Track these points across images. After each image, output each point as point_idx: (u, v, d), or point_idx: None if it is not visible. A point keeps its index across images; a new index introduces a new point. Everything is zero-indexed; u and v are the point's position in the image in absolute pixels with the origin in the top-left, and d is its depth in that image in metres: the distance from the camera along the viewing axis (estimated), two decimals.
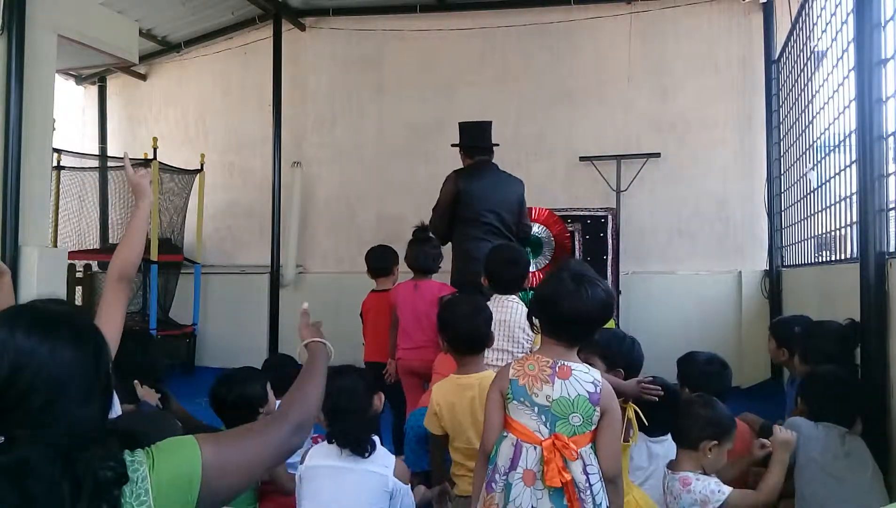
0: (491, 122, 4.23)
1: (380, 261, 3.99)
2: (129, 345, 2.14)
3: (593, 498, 1.74)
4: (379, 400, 2.25)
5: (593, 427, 1.80)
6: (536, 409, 1.80)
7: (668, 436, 2.47)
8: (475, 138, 4.15)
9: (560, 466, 1.72)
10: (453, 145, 4.25)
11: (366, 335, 4.01)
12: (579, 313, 1.81)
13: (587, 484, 1.75)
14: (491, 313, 2.56)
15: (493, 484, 1.84)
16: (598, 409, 1.78)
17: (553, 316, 1.86)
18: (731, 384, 2.77)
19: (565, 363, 1.82)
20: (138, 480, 1.04)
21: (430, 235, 4.02)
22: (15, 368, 0.98)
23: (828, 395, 2.46)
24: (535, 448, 1.78)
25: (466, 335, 2.46)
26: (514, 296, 3.03)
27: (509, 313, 2.94)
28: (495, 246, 3.44)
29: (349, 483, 2.03)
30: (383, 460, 2.09)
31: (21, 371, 0.98)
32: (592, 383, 1.80)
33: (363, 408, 2.13)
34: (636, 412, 2.25)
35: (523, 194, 4.13)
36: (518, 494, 1.77)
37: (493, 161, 4.27)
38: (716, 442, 2.15)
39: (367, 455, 2.04)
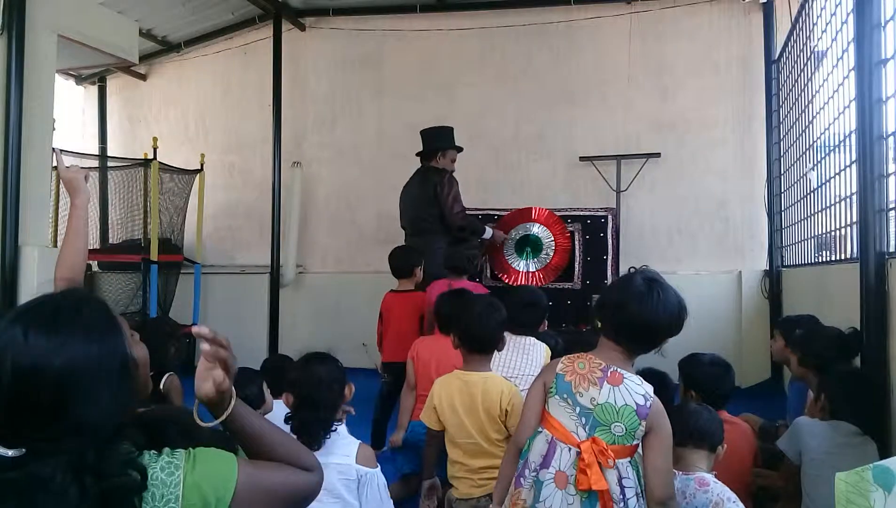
0: (432, 128, 4.62)
1: (402, 261, 4.04)
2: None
3: None
4: (349, 391, 2.19)
5: (635, 442, 1.71)
6: (578, 410, 1.73)
7: None
8: (425, 144, 4.63)
9: (596, 474, 1.65)
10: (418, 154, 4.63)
11: (385, 335, 4.01)
12: (646, 319, 1.73)
13: (621, 496, 1.67)
14: (505, 316, 2.53)
15: (522, 480, 1.77)
16: (643, 424, 1.69)
17: (618, 319, 1.77)
18: (734, 386, 2.76)
19: (618, 369, 1.74)
20: (171, 484, 1.01)
21: (468, 235, 4.40)
22: (19, 369, 0.92)
23: (851, 393, 2.44)
24: (569, 449, 1.71)
25: (479, 335, 2.46)
26: (531, 338, 2.98)
27: (530, 357, 2.85)
28: (515, 288, 3.53)
29: None
30: (344, 448, 2.05)
31: (27, 372, 0.92)
32: (643, 395, 1.71)
33: (333, 402, 2.08)
34: None
35: (437, 184, 4.39)
36: (549, 495, 1.70)
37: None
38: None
39: (317, 448, 1.99)
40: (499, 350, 2.51)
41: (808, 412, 2.58)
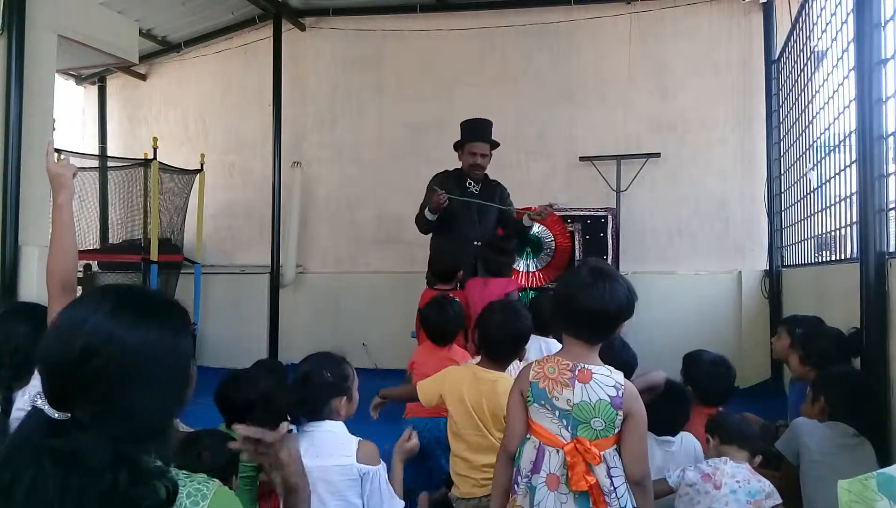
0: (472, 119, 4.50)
1: (445, 265, 4.14)
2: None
3: (618, 501, 1.72)
4: (340, 403, 2.12)
5: (616, 431, 1.76)
6: (557, 413, 1.77)
7: (675, 439, 2.47)
8: None
9: (584, 470, 1.70)
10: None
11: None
12: (596, 307, 1.76)
13: (612, 487, 1.72)
14: (529, 325, 2.50)
15: (516, 486, 1.82)
16: (620, 413, 1.75)
17: (571, 312, 1.82)
18: (734, 386, 2.76)
19: (585, 366, 1.78)
20: None
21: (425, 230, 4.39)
22: (88, 349, 0.93)
23: (850, 395, 2.44)
24: (557, 451, 1.76)
25: (496, 341, 2.43)
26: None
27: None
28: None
29: (311, 480, 1.99)
30: (344, 448, 2.01)
31: (95, 354, 0.93)
32: (614, 386, 1.76)
33: (330, 388, 2.05)
34: None
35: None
36: (542, 498, 1.75)
37: (492, 161, 4.49)
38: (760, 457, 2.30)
39: (315, 418, 2.00)
40: (519, 359, 2.47)
41: (804, 413, 2.58)
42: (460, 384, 2.41)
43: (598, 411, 1.74)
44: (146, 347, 0.97)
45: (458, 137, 4.48)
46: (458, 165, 4.53)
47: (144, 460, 0.96)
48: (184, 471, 1.04)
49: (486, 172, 4.54)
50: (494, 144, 4.48)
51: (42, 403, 0.93)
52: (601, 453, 1.72)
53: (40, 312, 1.91)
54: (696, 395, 2.68)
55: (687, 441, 2.49)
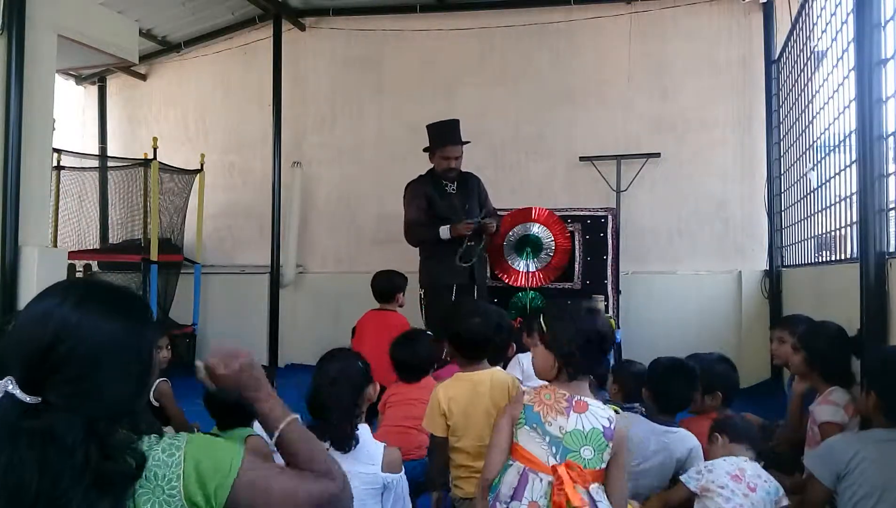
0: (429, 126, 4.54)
1: (382, 284, 4.20)
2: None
3: None
4: (374, 389, 2.11)
5: (603, 466, 1.79)
6: (548, 439, 1.79)
7: (679, 430, 2.47)
8: None
9: (573, 491, 1.70)
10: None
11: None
12: (596, 332, 1.85)
13: None
14: (508, 324, 2.53)
15: None
16: (611, 445, 1.79)
17: (585, 346, 1.87)
18: (738, 385, 2.76)
19: (582, 398, 1.84)
20: (172, 464, 1.05)
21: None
22: (57, 337, 1.00)
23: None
24: (541, 479, 1.76)
25: (469, 341, 2.39)
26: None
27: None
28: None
29: None
30: (370, 456, 1.97)
31: (62, 341, 1.00)
32: (608, 419, 1.81)
33: (353, 401, 1.98)
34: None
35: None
36: None
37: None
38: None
39: (348, 450, 1.90)
40: (501, 360, 2.47)
41: (858, 408, 2.34)
42: (458, 395, 2.36)
43: (589, 439, 1.78)
44: (110, 335, 1.04)
45: (433, 141, 4.49)
46: (429, 166, 4.55)
47: (114, 437, 1.02)
48: (155, 434, 1.10)
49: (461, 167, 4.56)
50: (464, 143, 4.50)
51: (13, 388, 0.98)
52: (588, 487, 1.75)
53: None
54: (703, 396, 2.68)
55: (683, 437, 2.46)
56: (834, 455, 2.08)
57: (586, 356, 1.88)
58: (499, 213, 4.89)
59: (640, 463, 2.41)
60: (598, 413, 1.81)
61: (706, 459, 2.33)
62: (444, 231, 4.30)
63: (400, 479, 2.00)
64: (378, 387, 2.14)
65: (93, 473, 0.97)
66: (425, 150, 4.54)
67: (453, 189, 4.51)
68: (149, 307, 1.16)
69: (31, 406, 0.98)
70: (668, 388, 2.51)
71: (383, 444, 2.02)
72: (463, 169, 4.58)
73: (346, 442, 1.92)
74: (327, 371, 2.03)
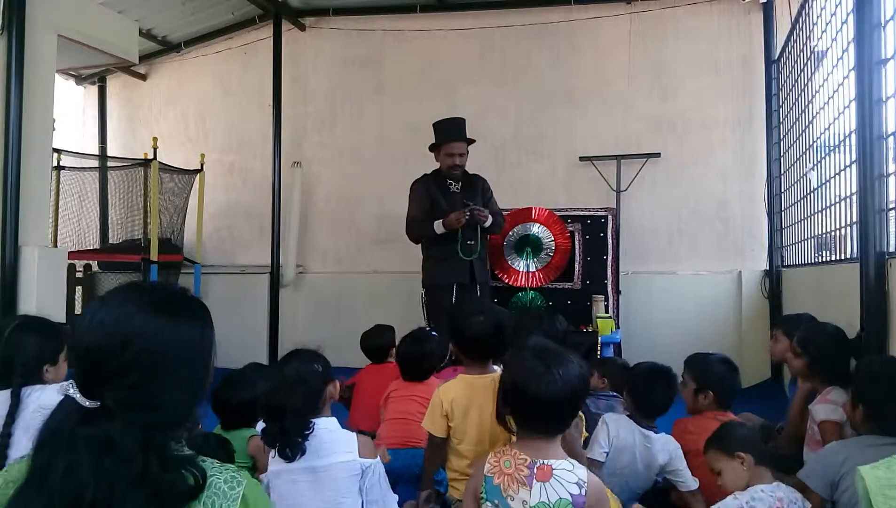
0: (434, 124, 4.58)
1: (374, 342, 3.87)
2: None
3: None
4: (334, 387, 2.12)
5: None
6: None
7: (660, 434, 2.47)
8: None
9: None
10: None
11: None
12: (554, 399, 1.58)
13: None
14: (510, 323, 2.46)
15: None
16: None
17: (525, 406, 1.64)
18: (737, 387, 2.76)
19: (545, 461, 1.60)
20: (230, 498, 1.03)
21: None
22: (123, 342, 0.99)
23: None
24: None
25: (472, 340, 2.37)
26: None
27: None
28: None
29: (317, 480, 1.97)
30: (345, 445, 2.01)
31: (128, 347, 0.99)
32: (577, 483, 1.59)
33: (310, 405, 1.99)
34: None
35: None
36: None
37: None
38: None
39: (291, 460, 1.92)
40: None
41: (850, 420, 2.28)
42: (459, 396, 2.36)
43: None
44: (175, 340, 1.03)
45: (434, 138, 4.52)
46: (436, 166, 4.57)
47: (172, 447, 1.01)
48: (215, 460, 1.08)
49: (465, 167, 4.57)
50: (470, 141, 4.50)
51: (74, 392, 0.98)
52: None
53: (48, 325, 2.19)
54: (713, 398, 2.67)
55: (662, 443, 2.47)
56: (825, 464, 2.07)
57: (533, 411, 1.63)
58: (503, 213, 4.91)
59: (627, 465, 2.42)
60: (566, 478, 1.58)
61: (726, 479, 2.10)
62: (438, 225, 4.32)
63: (377, 465, 2.03)
64: (338, 385, 2.14)
65: (152, 484, 0.96)
66: (431, 148, 4.55)
67: (457, 188, 4.52)
68: (208, 309, 1.14)
69: (89, 411, 0.97)
70: (649, 393, 2.50)
71: (355, 433, 2.05)
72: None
73: (294, 450, 1.92)
74: (284, 374, 2.04)
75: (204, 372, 1.09)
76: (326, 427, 2.02)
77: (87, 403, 0.97)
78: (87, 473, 0.93)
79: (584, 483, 1.60)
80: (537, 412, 1.63)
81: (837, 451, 2.09)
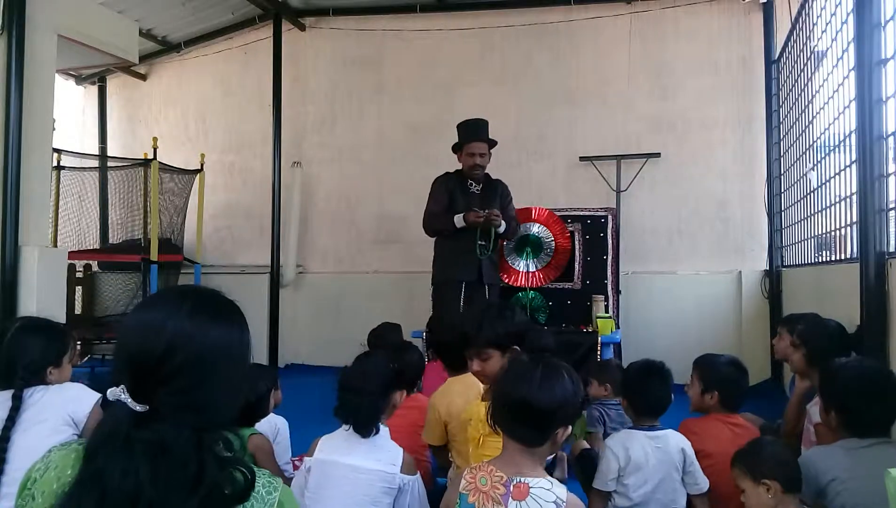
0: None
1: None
2: None
3: None
4: (400, 396, 2.17)
5: None
6: None
7: (665, 431, 2.44)
8: None
9: None
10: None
11: None
12: (540, 405, 1.55)
13: None
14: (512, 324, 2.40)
15: None
16: None
17: (511, 408, 1.60)
18: (743, 389, 2.73)
19: (522, 479, 1.54)
20: (268, 502, 1.05)
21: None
22: (171, 347, 1.00)
23: (870, 398, 2.03)
24: None
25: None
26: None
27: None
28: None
29: (356, 479, 1.98)
30: (391, 457, 2.02)
31: (176, 352, 1.00)
32: (554, 502, 1.52)
33: (377, 392, 2.05)
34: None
35: None
36: None
37: (492, 161, 4.57)
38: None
39: (367, 435, 1.99)
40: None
41: (821, 428, 2.28)
42: (454, 400, 2.35)
43: None
44: (220, 344, 1.06)
45: (458, 139, 4.53)
46: (458, 166, 4.57)
47: (219, 449, 1.03)
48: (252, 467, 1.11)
49: (487, 171, 4.58)
50: (492, 143, 4.51)
51: (125, 396, 0.99)
52: None
53: (52, 327, 2.21)
54: (719, 400, 2.66)
55: (673, 439, 2.40)
56: (809, 471, 2.02)
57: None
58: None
59: (646, 482, 2.27)
60: (543, 497, 1.51)
61: (751, 505, 2.00)
62: (459, 219, 4.39)
63: (416, 482, 2.04)
64: (404, 396, 2.19)
65: (206, 485, 0.97)
66: (454, 148, 4.56)
67: (477, 190, 4.55)
68: (243, 314, 1.18)
69: (140, 415, 0.98)
70: (645, 391, 2.43)
71: (401, 449, 2.06)
72: None
73: (369, 427, 1.98)
74: (361, 362, 2.12)
75: (244, 374, 1.12)
76: (383, 434, 2.05)
77: (137, 407, 0.98)
78: (144, 475, 0.95)
79: (563, 502, 1.53)
80: (521, 418, 1.58)
81: (822, 458, 2.04)
